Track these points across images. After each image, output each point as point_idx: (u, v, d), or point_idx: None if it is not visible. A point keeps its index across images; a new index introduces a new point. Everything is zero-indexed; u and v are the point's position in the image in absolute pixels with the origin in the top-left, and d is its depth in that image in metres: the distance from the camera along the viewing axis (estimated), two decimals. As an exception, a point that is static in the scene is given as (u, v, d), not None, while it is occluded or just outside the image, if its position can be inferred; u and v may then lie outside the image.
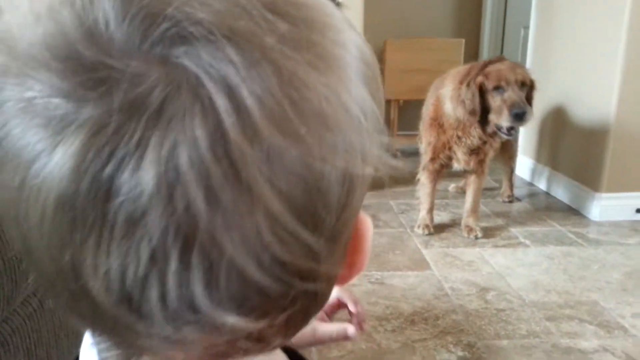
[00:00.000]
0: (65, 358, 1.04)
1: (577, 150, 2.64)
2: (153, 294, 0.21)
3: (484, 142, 2.18)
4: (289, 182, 0.22)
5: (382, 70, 3.56)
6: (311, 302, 0.27)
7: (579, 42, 2.61)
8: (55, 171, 0.21)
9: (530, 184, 3.08)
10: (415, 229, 2.33)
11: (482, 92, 2.07)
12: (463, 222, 2.34)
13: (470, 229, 2.30)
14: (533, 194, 2.91)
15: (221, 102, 0.20)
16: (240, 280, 0.22)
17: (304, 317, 0.27)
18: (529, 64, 3.13)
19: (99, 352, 0.27)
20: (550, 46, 2.90)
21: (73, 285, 0.22)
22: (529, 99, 2.14)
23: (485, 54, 4.00)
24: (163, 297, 0.21)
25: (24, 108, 0.21)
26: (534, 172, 3.07)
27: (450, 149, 2.22)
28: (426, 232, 2.31)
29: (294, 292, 0.24)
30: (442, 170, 2.35)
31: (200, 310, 0.22)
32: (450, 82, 2.18)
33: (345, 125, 0.24)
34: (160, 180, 0.20)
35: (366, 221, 0.29)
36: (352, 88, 0.24)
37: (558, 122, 2.81)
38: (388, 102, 3.63)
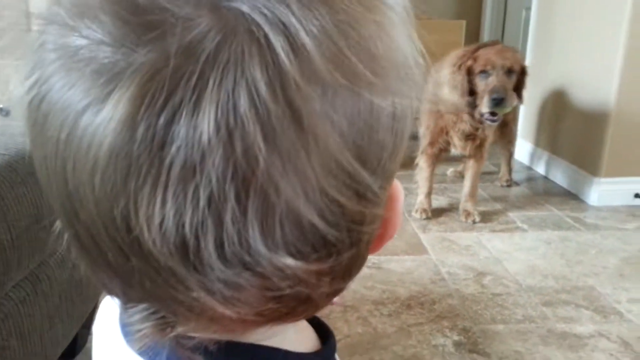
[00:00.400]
0: (60, 343, 1.04)
1: (577, 134, 2.62)
2: (210, 240, 0.21)
3: (477, 128, 2.16)
4: (348, 121, 0.22)
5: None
6: (354, 256, 0.26)
7: (580, 24, 2.58)
8: (108, 119, 0.20)
9: (529, 168, 3.07)
10: (413, 214, 2.31)
11: (471, 76, 2.06)
12: (461, 207, 2.32)
13: (468, 214, 2.28)
14: (532, 178, 2.90)
15: (278, 43, 0.20)
16: (296, 223, 0.22)
17: (347, 273, 0.27)
18: (529, 46, 3.10)
19: (130, 326, 0.27)
20: (552, 28, 2.87)
21: (125, 239, 0.22)
22: (519, 86, 2.11)
23: (486, 35, 3.96)
24: (220, 243, 0.21)
25: (71, 58, 0.21)
26: (533, 156, 3.06)
27: (447, 133, 2.21)
28: (424, 216, 2.29)
29: (347, 237, 0.24)
30: (441, 155, 2.33)
31: (256, 254, 0.22)
32: (446, 66, 2.16)
33: (397, 65, 0.24)
34: (219, 122, 0.20)
35: (397, 183, 0.30)
36: (400, 30, 0.25)
37: (558, 105, 2.78)
38: (387, 84, 3.61)
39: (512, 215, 2.35)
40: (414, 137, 2.74)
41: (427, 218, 2.29)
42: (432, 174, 2.34)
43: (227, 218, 0.21)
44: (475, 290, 1.72)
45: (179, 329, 0.26)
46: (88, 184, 0.21)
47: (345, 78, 0.21)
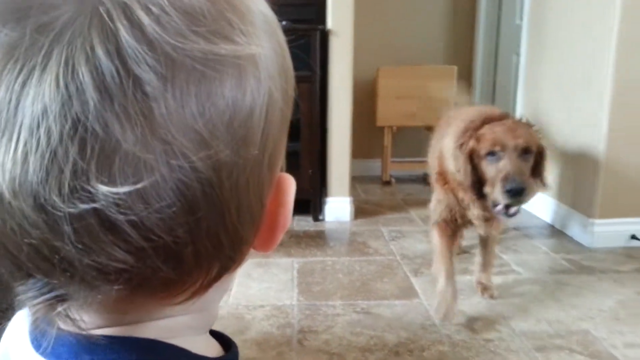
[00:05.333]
0: None
1: (570, 177, 2.61)
2: (52, 182, 0.24)
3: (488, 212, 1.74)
4: (181, 74, 0.25)
5: (375, 97, 3.58)
6: (219, 225, 0.28)
7: (568, 69, 2.61)
8: None
9: (524, 210, 3.04)
10: (432, 313, 1.78)
11: (475, 158, 1.67)
12: (476, 278, 1.97)
13: (484, 288, 1.93)
14: (527, 221, 2.87)
15: (117, 17, 0.24)
16: (136, 167, 0.24)
17: (217, 241, 0.28)
18: (519, 91, 3.13)
19: (29, 309, 0.29)
20: (541, 73, 2.91)
21: None
22: (537, 169, 1.69)
23: (478, 80, 4.01)
24: (61, 184, 0.24)
25: None
26: (528, 198, 3.04)
27: (463, 207, 1.79)
28: (452, 319, 1.74)
29: (197, 183, 0.26)
30: (459, 228, 1.93)
31: (94, 190, 0.24)
32: (451, 136, 1.77)
33: (224, 23, 0.27)
34: (59, 81, 0.23)
35: (288, 177, 0.33)
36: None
37: (550, 148, 2.78)
38: (381, 129, 3.63)
39: (507, 258, 2.31)
40: (409, 180, 2.72)
41: (458, 323, 1.76)
42: (450, 248, 1.83)
43: (68, 162, 0.24)
44: (467, 336, 1.66)
45: (68, 304, 0.28)
46: None
47: (174, 37, 0.25)
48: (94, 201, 0.24)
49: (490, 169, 1.63)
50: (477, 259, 1.98)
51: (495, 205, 1.63)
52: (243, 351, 0.39)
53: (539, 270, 2.18)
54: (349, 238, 2.60)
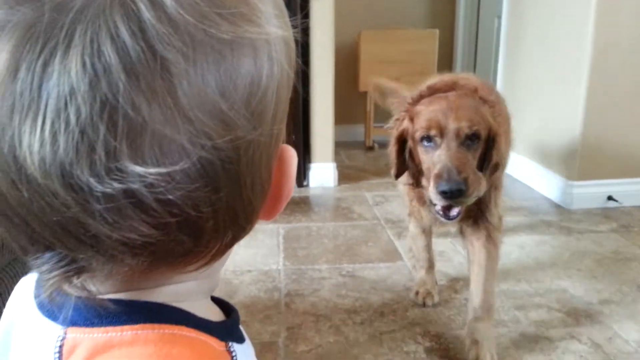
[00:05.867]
0: None
1: (549, 138, 2.64)
2: (83, 161, 0.24)
3: None
4: (208, 60, 0.26)
5: (357, 62, 3.55)
6: (237, 199, 0.29)
7: (549, 30, 2.61)
8: None
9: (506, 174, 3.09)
10: (412, 296, 1.67)
11: (410, 141, 1.35)
12: (468, 329, 1.40)
13: (476, 343, 1.35)
14: (506, 183, 2.92)
15: None
16: (165, 146, 0.25)
17: (232, 214, 0.29)
18: (501, 53, 3.13)
19: (41, 280, 0.30)
20: (522, 35, 2.91)
21: (13, 170, 0.25)
22: (485, 158, 1.31)
23: (460, 44, 4.00)
24: (92, 163, 0.24)
25: None
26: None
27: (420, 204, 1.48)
28: (429, 302, 1.64)
29: (217, 159, 0.27)
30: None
31: (125, 169, 0.25)
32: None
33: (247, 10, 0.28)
34: (85, 61, 0.23)
35: (289, 148, 0.34)
36: None
37: (529, 110, 2.81)
38: (364, 94, 3.62)
39: (488, 220, 2.36)
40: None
41: (434, 304, 1.65)
42: (428, 237, 1.69)
43: (98, 141, 0.24)
44: (448, 296, 1.71)
45: (85, 276, 0.29)
46: None
47: (196, 18, 0.25)
48: (127, 181, 0.25)
49: (425, 158, 1.29)
50: (471, 296, 1.44)
51: (432, 203, 1.29)
52: (232, 315, 0.41)
53: (519, 231, 2.23)
54: (333, 203, 2.62)
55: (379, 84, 2.06)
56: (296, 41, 0.34)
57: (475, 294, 1.41)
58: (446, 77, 1.46)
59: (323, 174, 2.86)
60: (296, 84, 0.34)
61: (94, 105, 0.24)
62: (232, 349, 0.34)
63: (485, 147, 1.29)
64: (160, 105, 0.25)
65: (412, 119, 1.32)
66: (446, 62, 3.89)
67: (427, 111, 1.28)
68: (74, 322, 0.31)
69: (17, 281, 1.02)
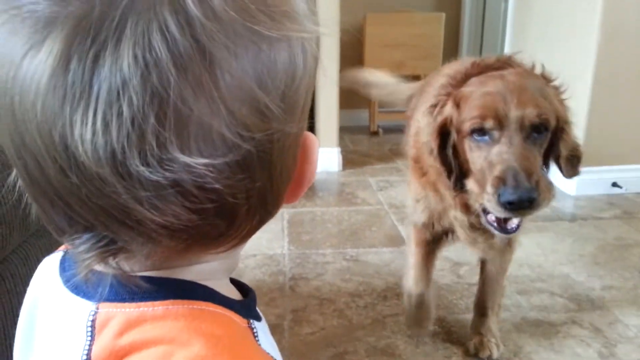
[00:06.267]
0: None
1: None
2: (134, 150, 0.25)
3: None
4: (248, 54, 0.27)
5: (363, 45, 3.53)
6: (268, 186, 0.31)
7: (557, 12, 2.59)
8: (46, 56, 0.25)
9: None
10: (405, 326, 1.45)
11: (453, 133, 1.04)
12: (472, 326, 1.37)
13: (481, 342, 1.32)
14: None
15: None
16: (209, 135, 0.27)
17: (263, 201, 0.31)
18: (507, 37, 3.11)
19: (75, 261, 0.30)
20: (529, 18, 2.88)
21: (63, 157, 0.26)
22: (550, 152, 1.05)
23: (466, 27, 3.97)
24: (143, 153, 0.25)
25: (14, 15, 0.25)
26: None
27: (444, 208, 1.18)
28: (417, 336, 1.40)
29: (254, 148, 0.28)
30: (443, 239, 1.32)
31: (173, 160, 0.26)
32: (425, 101, 1.17)
33: (288, 8, 0.29)
34: (136, 54, 0.24)
35: (312, 136, 0.36)
36: None
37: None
38: (369, 78, 3.60)
39: (491, 206, 2.36)
40: (396, 129, 2.70)
41: (422, 338, 1.40)
42: (430, 261, 1.35)
43: (148, 131, 0.25)
44: (451, 281, 1.73)
45: (121, 257, 0.30)
46: (32, 111, 0.26)
47: (239, 14, 0.27)
48: (177, 171, 0.26)
49: (476, 155, 1.00)
50: (477, 298, 1.37)
51: (485, 212, 1.02)
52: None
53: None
54: (337, 188, 2.63)
55: (357, 76, 1.88)
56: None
57: (483, 291, 1.36)
58: (491, 56, 1.15)
59: (327, 158, 2.86)
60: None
61: (145, 97, 0.25)
62: (253, 326, 0.36)
63: (551, 138, 1.02)
64: (207, 98, 0.26)
65: (457, 105, 1.02)
66: (452, 46, 3.87)
67: (480, 94, 0.98)
68: (106, 298, 0.32)
69: (27, 263, 1.04)
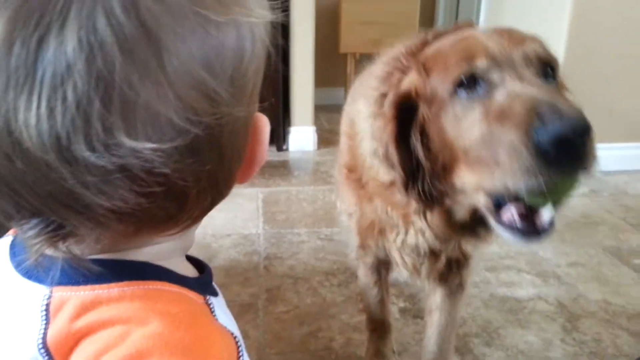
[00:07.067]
0: None
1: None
2: (79, 135, 0.25)
3: (444, 239, 0.85)
4: (196, 37, 0.27)
5: (338, 23, 3.50)
6: (219, 168, 0.31)
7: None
8: None
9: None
10: None
11: (418, 115, 0.73)
12: None
13: None
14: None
15: None
16: (156, 119, 0.26)
17: (214, 183, 0.32)
18: (482, 14, 3.12)
19: (25, 246, 0.30)
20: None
21: (8, 143, 0.25)
22: None
23: (441, 6, 3.97)
24: (88, 138, 0.25)
25: None
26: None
27: (383, 234, 0.93)
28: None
29: (202, 132, 0.28)
30: (389, 264, 1.05)
31: (119, 144, 0.26)
32: (365, 90, 0.87)
33: None
34: (81, 38, 0.24)
35: (262, 116, 0.37)
36: None
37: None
38: (344, 56, 3.59)
39: (464, 184, 2.40)
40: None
41: None
42: (384, 285, 1.13)
43: (94, 116, 0.25)
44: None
45: (71, 241, 0.30)
46: None
47: (189, 1, 0.27)
48: (124, 156, 0.26)
49: (470, 120, 0.66)
50: (426, 349, 1.10)
51: (498, 207, 0.69)
52: (211, 278, 0.43)
53: (494, 195, 2.28)
54: (312, 167, 2.64)
55: None
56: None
57: (432, 341, 1.09)
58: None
59: (303, 137, 2.86)
60: (275, 46, 0.36)
61: (90, 81, 0.24)
62: (209, 302, 0.37)
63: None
64: (153, 82, 0.26)
65: (425, 69, 0.73)
66: (428, 24, 3.86)
67: (457, 41, 0.73)
68: (59, 282, 0.32)
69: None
